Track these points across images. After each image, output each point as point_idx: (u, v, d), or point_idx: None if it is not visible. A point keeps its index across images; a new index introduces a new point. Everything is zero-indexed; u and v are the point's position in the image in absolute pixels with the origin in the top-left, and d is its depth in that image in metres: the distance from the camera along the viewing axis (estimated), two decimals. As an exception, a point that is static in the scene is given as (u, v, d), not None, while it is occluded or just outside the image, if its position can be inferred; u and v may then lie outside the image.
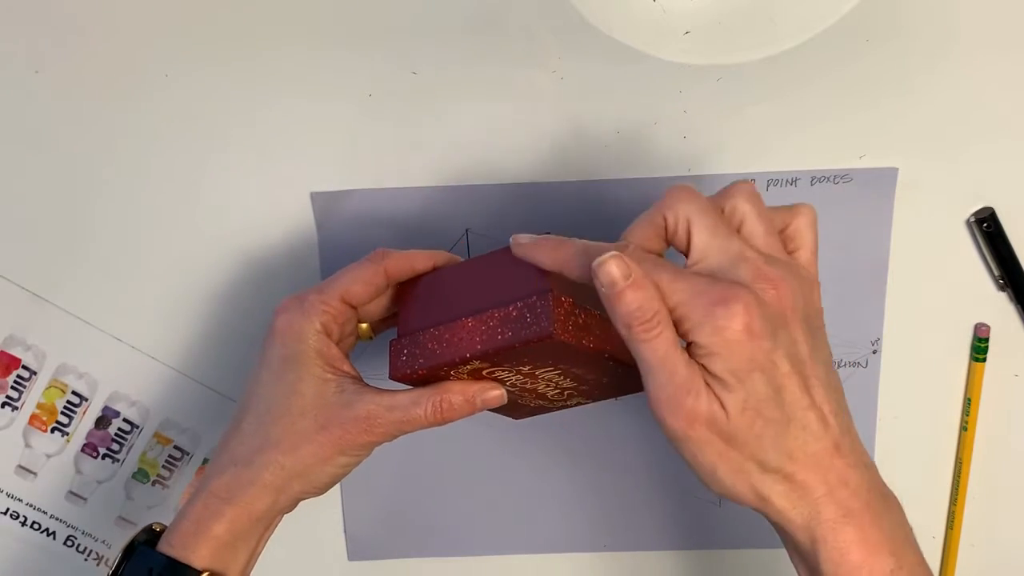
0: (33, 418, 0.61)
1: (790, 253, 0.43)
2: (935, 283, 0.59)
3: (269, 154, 0.57)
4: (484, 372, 0.46)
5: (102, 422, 0.61)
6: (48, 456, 0.61)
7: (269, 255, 0.59)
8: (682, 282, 0.40)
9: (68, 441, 0.61)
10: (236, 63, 0.55)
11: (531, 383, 0.48)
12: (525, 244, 0.44)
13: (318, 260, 0.59)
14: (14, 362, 0.60)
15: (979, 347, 0.59)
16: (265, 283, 0.59)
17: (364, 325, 0.51)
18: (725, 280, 0.39)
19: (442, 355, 0.45)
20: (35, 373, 0.60)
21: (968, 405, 0.60)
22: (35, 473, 0.62)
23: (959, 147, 0.56)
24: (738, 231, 0.42)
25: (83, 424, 0.61)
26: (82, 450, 0.61)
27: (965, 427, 0.61)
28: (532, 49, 0.55)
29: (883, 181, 0.57)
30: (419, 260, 0.49)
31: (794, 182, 0.57)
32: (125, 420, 0.61)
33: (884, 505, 0.40)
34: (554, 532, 0.64)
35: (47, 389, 0.60)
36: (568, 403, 0.52)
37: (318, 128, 0.56)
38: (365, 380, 0.49)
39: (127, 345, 0.60)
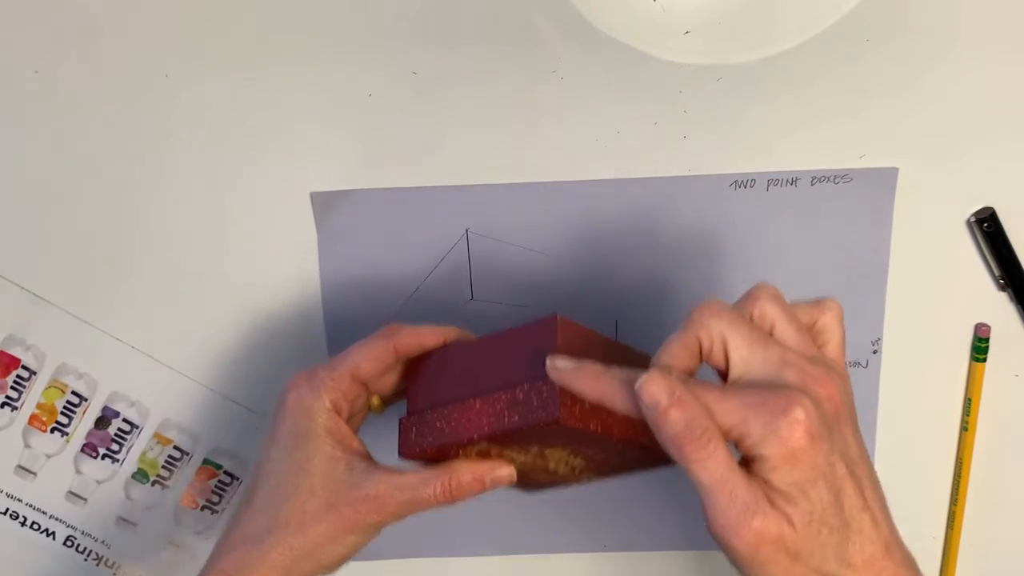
0: (33, 418, 0.61)
1: (818, 348, 0.42)
2: (935, 283, 0.59)
3: (269, 154, 0.57)
4: (493, 452, 0.46)
5: (102, 422, 0.61)
6: (48, 456, 0.61)
7: (268, 254, 0.59)
8: (733, 399, 0.38)
9: (68, 441, 0.61)
10: (236, 63, 0.55)
11: (541, 462, 0.48)
12: (564, 371, 0.42)
13: (317, 260, 0.59)
14: (14, 362, 0.60)
15: (979, 347, 0.59)
16: (264, 283, 0.59)
17: (375, 399, 0.50)
18: (775, 388, 0.39)
19: (450, 435, 0.45)
20: (35, 373, 0.60)
21: (968, 405, 0.60)
22: (35, 473, 0.62)
23: (959, 147, 0.56)
24: (769, 335, 0.41)
25: (83, 424, 0.61)
26: (82, 450, 0.61)
27: (965, 427, 0.61)
28: (532, 49, 0.55)
29: (883, 181, 0.57)
30: (429, 336, 0.49)
31: (794, 182, 0.57)
32: (125, 420, 0.61)
33: None
34: (554, 532, 0.64)
35: (47, 389, 0.60)
36: (581, 479, 0.51)
37: (318, 128, 0.56)
38: (373, 443, 0.48)
39: (127, 345, 0.60)
